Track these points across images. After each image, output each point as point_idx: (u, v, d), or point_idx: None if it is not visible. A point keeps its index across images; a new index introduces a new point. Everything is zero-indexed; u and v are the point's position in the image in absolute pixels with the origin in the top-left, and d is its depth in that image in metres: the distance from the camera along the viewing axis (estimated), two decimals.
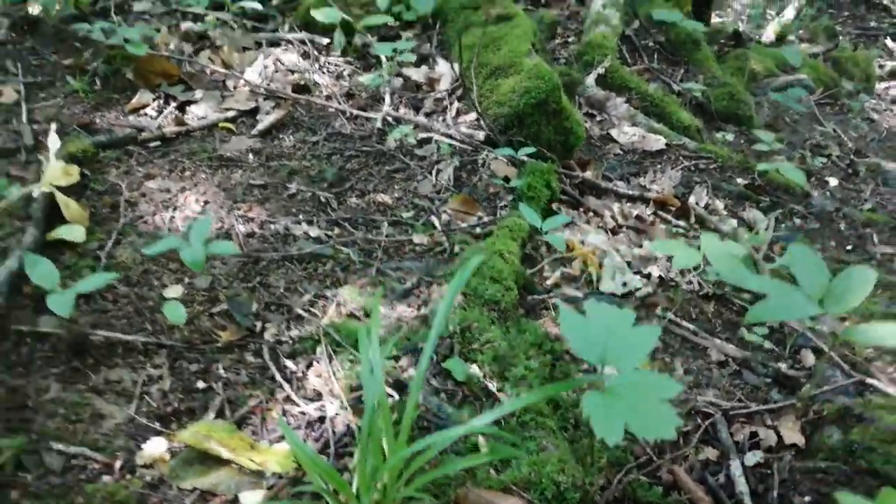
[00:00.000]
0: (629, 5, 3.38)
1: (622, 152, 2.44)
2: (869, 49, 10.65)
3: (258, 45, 2.42)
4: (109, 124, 1.93)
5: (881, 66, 9.87)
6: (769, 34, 9.97)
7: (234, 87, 2.17)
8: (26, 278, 1.25)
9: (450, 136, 2.00)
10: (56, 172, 1.47)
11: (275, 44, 2.41)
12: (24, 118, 1.87)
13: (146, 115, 2.02)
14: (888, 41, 9.78)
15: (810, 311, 1.18)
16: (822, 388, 1.40)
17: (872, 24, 12.29)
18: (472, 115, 2.06)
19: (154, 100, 2.07)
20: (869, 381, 1.42)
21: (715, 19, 6.63)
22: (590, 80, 2.72)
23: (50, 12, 2.27)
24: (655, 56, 3.21)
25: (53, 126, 1.60)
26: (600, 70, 2.75)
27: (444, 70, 2.16)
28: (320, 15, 2.29)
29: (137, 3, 2.60)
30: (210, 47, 2.36)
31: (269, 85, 2.17)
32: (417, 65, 2.32)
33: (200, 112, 2.06)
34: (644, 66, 3.12)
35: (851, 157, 3.52)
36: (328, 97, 2.14)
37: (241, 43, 2.38)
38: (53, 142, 1.53)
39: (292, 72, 2.22)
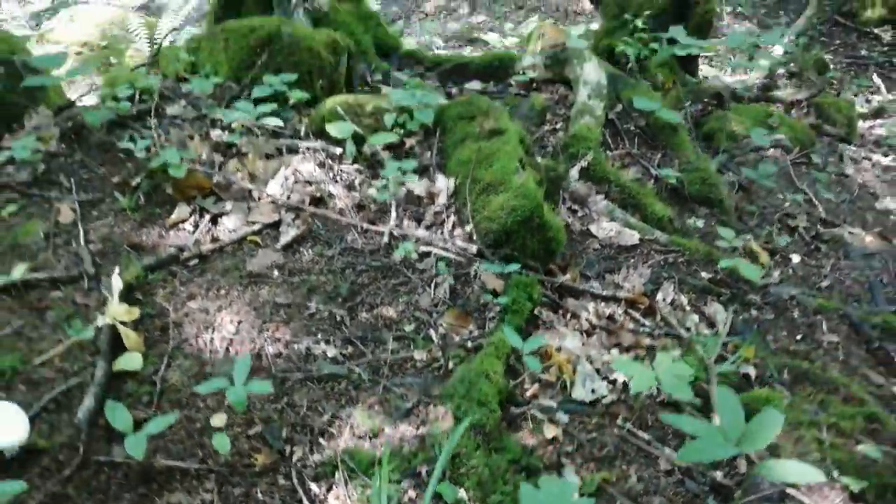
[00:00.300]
0: (613, 89, 3.69)
1: (600, 247, 2.75)
2: (859, 79, 10.96)
3: (279, 150, 2.73)
4: (154, 243, 2.25)
5: (868, 101, 10.19)
6: (759, 73, 10.28)
7: (259, 198, 2.49)
8: (101, 411, 1.57)
9: (446, 250, 2.32)
10: (119, 311, 1.79)
11: (294, 150, 2.73)
12: (82, 240, 2.18)
13: (184, 229, 2.34)
14: (874, 77, 10.09)
15: (729, 452, 1.49)
16: (749, 496, 1.71)
17: (863, 52, 12.60)
18: (467, 229, 2.37)
19: (190, 214, 2.39)
20: (789, 491, 1.73)
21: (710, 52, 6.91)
22: (574, 172, 3.03)
23: (95, 125, 2.59)
24: (636, 140, 3.53)
25: (116, 270, 1.91)
26: (583, 163, 3.06)
27: (443, 185, 2.47)
28: (334, 130, 2.60)
29: (170, 107, 2.92)
30: (237, 155, 2.68)
31: (289, 197, 2.48)
32: (421, 173, 2.64)
33: (231, 224, 2.38)
34: (625, 151, 3.43)
35: (818, 227, 3.82)
36: (341, 210, 2.45)
37: (265, 150, 2.70)
38: (116, 283, 1.84)
39: (310, 183, 2.54)
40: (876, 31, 13.09)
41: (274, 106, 2.70)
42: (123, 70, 3.12)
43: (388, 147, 2.70)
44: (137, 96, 2.94)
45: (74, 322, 1.85)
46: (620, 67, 6.19)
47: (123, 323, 1.82)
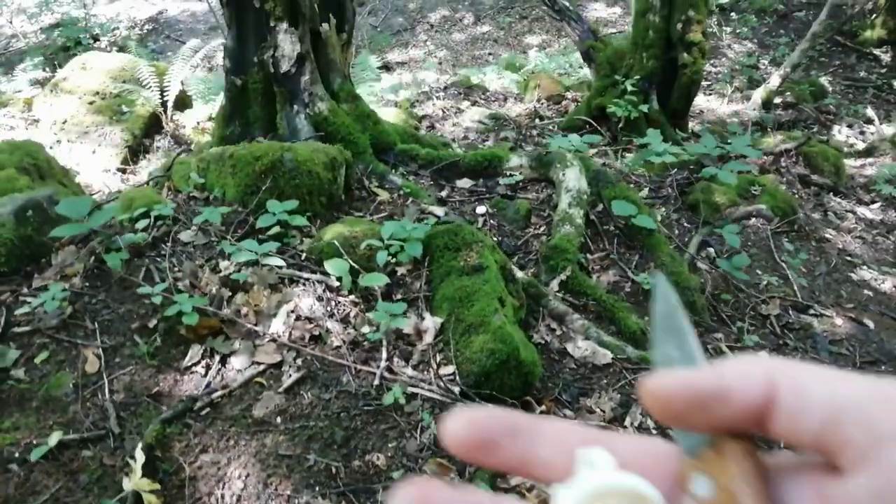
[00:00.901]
0: (595, 187, 3.95)
1: (576, 366, 3.02)
2: (856, 106, 11.12)
3: (282, 280, 3.01)
4: (170, 389, 2.53)
5: (862, 133, 10.36)
6: (756, 99, 10.48)
7: (264, 334, 2.77)
8: None
9: (432, 391, 2.58)
10: (142, 484, 2.06)
11: (294, 280, 3.00)
12: (107, 391, 2.46)
13: (197, 372, 2.62)
14: (868, 110, 10.25)
15: None
16: None
17: (862, 74, 12.74)
18: (451, 368, 2.64)
19: (202, 356, 2.67)
20: None
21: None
22: (553, 285, 3.30)
23: (116, 268, 2.87)
24: (615, 241, 3.78)
25: (139, 446, 2.19)
26: (563, 277, 3.32)
27: (430, 324, 2.74)
28: (332, 267, 2.87)
29: (183, 231, 3.20)
30: (244, 286, 2.95)
31: (291, 335, 2.76)
32: (410, 303, 2.91)
33: (238, 364, 2.65)
34: (605, 253, 3.69)
35: (790, 312, 4.07)
36: (338, 348, 2.73)
37: (269, 280, 2.97)
38: (139, 457, 2.12)
39: (310, 320, 2.81)
40: (875, 52, 13.23)
41: (278, 244, 2.97)
42: (139, 193, 3.40)
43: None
44: (153, 221, 3.22)
45: (104, 485, 2.13)
46: (611, 126, 6.45)
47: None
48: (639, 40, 6.23)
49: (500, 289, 2.82)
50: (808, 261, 4.83)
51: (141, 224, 3.12)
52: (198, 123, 7.82)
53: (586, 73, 10.60)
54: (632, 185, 5.00)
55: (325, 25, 4.08)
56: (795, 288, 4.35)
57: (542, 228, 3.74)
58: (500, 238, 3.66)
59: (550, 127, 6.57)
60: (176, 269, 3.03)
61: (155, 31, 13.96)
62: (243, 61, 4.06)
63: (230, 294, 2.93)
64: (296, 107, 3.98)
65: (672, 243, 4.13)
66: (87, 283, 2.92)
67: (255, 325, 2.81)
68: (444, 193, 3.94)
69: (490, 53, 13.73)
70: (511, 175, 4.00)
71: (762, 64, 12.26)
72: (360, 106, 4.24)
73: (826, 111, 10.51)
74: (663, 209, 4.89)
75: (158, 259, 3.09)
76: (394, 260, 3.01)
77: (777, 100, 10.16)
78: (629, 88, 6.04)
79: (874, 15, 13.22)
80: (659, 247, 3.70)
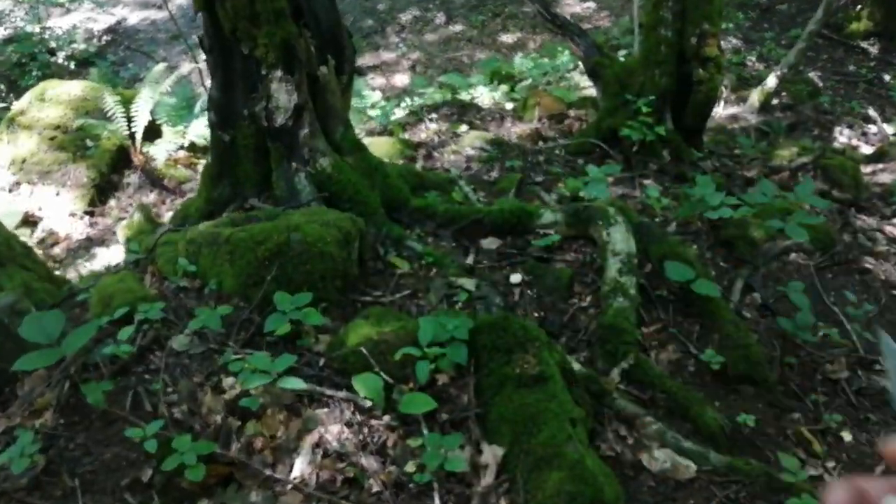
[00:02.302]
0: (639, 242, 3.47)
1: (654, 483, 2.54)
2: (850, 102, 10.81)
3: (299, 398, 2.49)
4: None
5: (864, 134, 10.04)
6: (753, 101, 10.11)
7: (285, 482, 2.25)
8: None
9: None
10: None
11: (316, 399, 2.48)
12: None
13: None
14: (870, 110, 9.94)
15: None
16: None
17: (851, 68, 12.44)
18: None
19: None
20: None
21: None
22: (614, 375, 2.82)
23: (98, 404, 2.33)
24: (670, 308, 3.31)
25: None
26: (624, 366, 2.85)
27: (489, 457, 2.25)
28: (363, 386, 2.37)
29: (176, 340, 2.66)
30: (254, 412, 2.43)
31: (318, 477, 2.24)
32: (458, 424, 2.41)
33: None
34: (660, 325, 3.22)
35: (858, 374, 3.64)
36: (378, 493, 2.22)
37: (284, 400, 2.46)
38: None
39: (340, 457, 2.30)
40: (862, 44, 12.96)
41: (294, 358, 2.45)
42: (118, 284, 2.85)
43: (423, 389, 2.46)
44: (137, 326, 2.68)
45: None
46: (624, 148, 5.99)
47: None
48: (650, 56, 5.76)
49: (570, 406, 2.34)
50: (857, 306, 4.41)
51: (124, 333, 2.57)
52: (170, 156, 7.21)
53: (576, 78, 10.15)
54: (657, 219, 4.55)
55: (323, 69, 3.54)
56: (855, 339, 3.93)
57: (588, 299, 3.26)
58: (541, 314, 3.17)
59: (557, 151, 6.09)
60: (170, 390, 2.50)
61: (114, 42, 13.19)
62: (231, 114, 3.51)
63: (239, 423, 2.40)
64: (294, 164, 3.45)
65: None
66: (63, 420, 2.37)
67: (273, 464, 2.29)
68: (469, 259, 3.44)
69: (466, 55, 13.26)
70: (543, 235, 3.50)
71: (749, 61, 11.93)
72: (367, 157, 3.72)
73: (823, 111, 10.20)
74: (694, 246, 4.45)
75: (147, 377, 2.56)
76: (433, 366, 2.51)
77: (774, 101, 9.83)
78: (644, 109, 5.58)
79: (859, 7, 12.95)
80: (721, 313, 3.25)
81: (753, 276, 4.28)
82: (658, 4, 5.64)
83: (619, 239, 3.29)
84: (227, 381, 2.52)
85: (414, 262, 3.31)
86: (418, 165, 5.76)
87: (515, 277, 3.30)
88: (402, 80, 12.42)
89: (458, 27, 13.91)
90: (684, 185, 4.67)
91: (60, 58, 11.22)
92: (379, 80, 12.24)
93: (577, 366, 2.79)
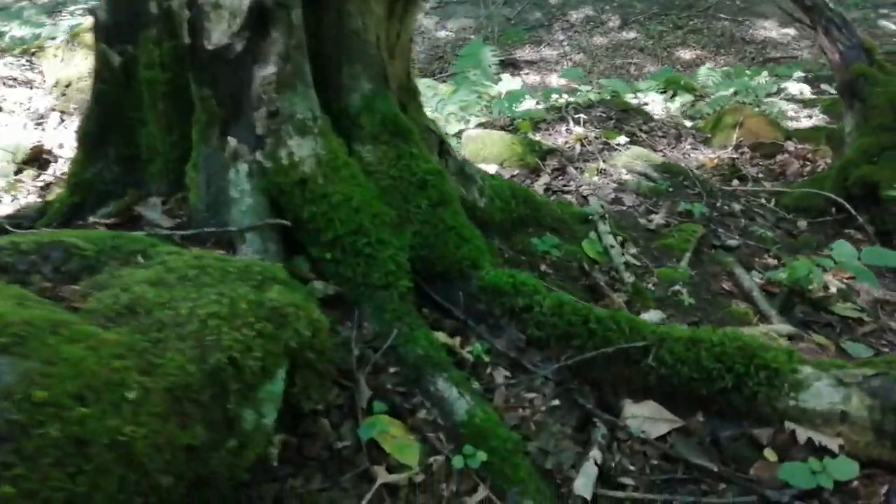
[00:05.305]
0: None
1: None
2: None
3: None
4: None
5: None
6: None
7: None
8: None
9: None
10: None
11: None
12: None
13: None
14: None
15: None
16: None
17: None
18: None
19: None
20: None
21: None
22: None
23: None
24: None
25: None
26: None
27: None
28: None
29: None
30: None
31: None
32: None
33: None
34: None
35: None
36: None
37: None
38: None
39: None
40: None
41: None
42: None
43: None
44: None
45: None
46: (881, 216, 3.65)
47: None
48: None
49: None
50: None
51: None
52: None
53: (783, 106, 7.49)
54: None
55: None
56: None
57: None
58: None
59: (763, 200, 3.83)
60: None
61: None
62: (133, 16, 1.60)
63: None
64: (234, 141, 1.50)
65: None
66: None
67: None
68: (596, 457, 1.33)
69: (634, 64, 11.30)
70: (819, 444, 1.31)
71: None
72: (414, 157, 1.69)
73: None
74: None
75: None
76: None
77: None
78: None
79: None
80: None
81: None
82: None
83: None
84: None
85: (431, 447, 1.26)
86: (540, 183, 3.69)
87: None
88: (558, 81, 10.56)
89: (631, 34, 12.03)
90: None
91: None
92: (533, 78, 10.46)
93: None
